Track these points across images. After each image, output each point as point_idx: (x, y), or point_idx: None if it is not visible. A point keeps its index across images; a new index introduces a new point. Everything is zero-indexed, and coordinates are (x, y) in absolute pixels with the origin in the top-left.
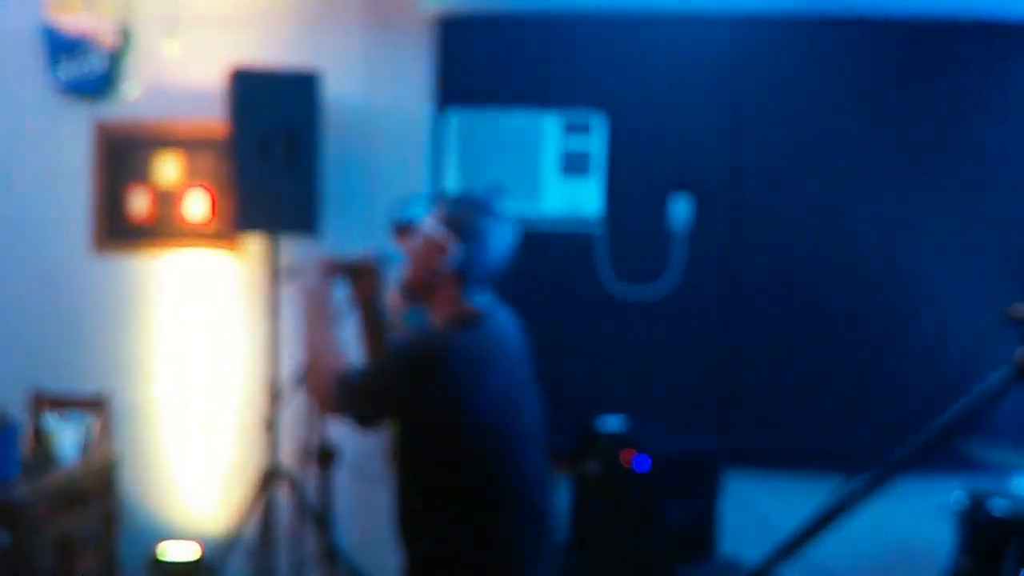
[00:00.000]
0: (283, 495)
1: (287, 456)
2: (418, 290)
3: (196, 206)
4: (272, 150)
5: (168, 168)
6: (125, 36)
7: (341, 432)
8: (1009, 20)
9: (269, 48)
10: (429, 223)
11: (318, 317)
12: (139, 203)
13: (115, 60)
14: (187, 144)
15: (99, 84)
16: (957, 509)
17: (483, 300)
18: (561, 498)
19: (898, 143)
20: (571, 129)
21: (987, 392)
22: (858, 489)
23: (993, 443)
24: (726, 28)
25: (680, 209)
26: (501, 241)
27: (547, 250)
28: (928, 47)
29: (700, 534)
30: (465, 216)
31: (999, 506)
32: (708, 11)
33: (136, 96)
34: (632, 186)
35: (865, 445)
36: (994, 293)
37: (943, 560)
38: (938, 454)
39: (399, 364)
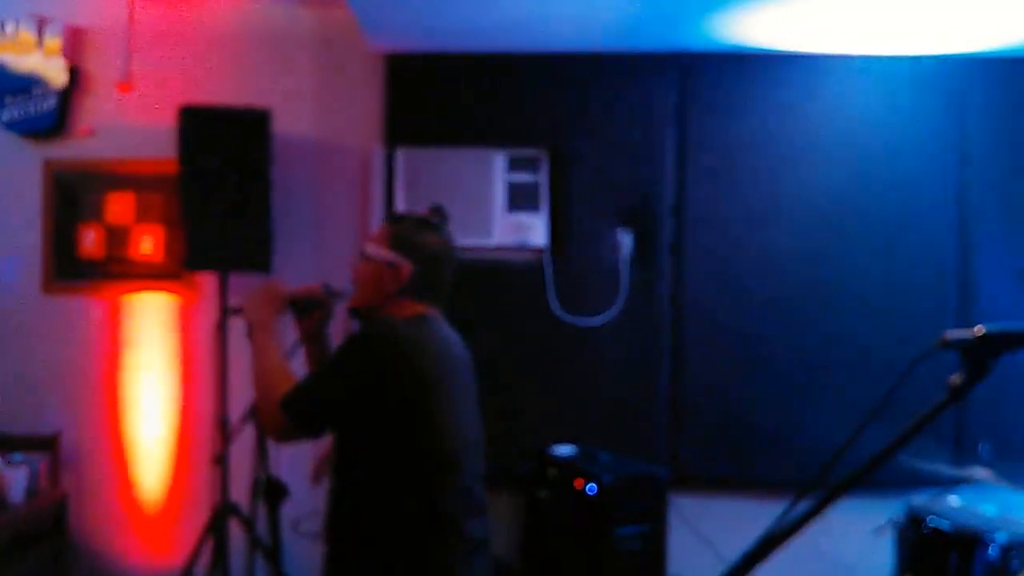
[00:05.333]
0: (235, 531)
1: (238, 492)
2: (369, 311)
3: (147, 244)
4: (222, 188)
5: (118, 207)
6: (75, 75)
7: (289, 469)
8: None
9: (220, 86)
10: (375, 245)
11: (267, 348)
12: (89, 242)
13: (65, 99)
14: (137, 182)
15: (48, 123)
16: (897, 525)
17: (431, 312)
18: (513, 523)
19: (829, 174)
20: (517, 165)
21: (927, 415)
22: (803, 513)
23: (930, 458)
24: (666, 64)
25: (624, 240)
26: (444, 255)
27: (497, 280)
28: (857, 84)
29: (650, 557)
30: (411, 235)
31: (939, 521)
32: (649, 49)
33: (89, 136)
34: (577, 219)
35: (808, 470)
36: (929, 319)
37: (884, 574)
38: (877, 471)
39: (345, 354)
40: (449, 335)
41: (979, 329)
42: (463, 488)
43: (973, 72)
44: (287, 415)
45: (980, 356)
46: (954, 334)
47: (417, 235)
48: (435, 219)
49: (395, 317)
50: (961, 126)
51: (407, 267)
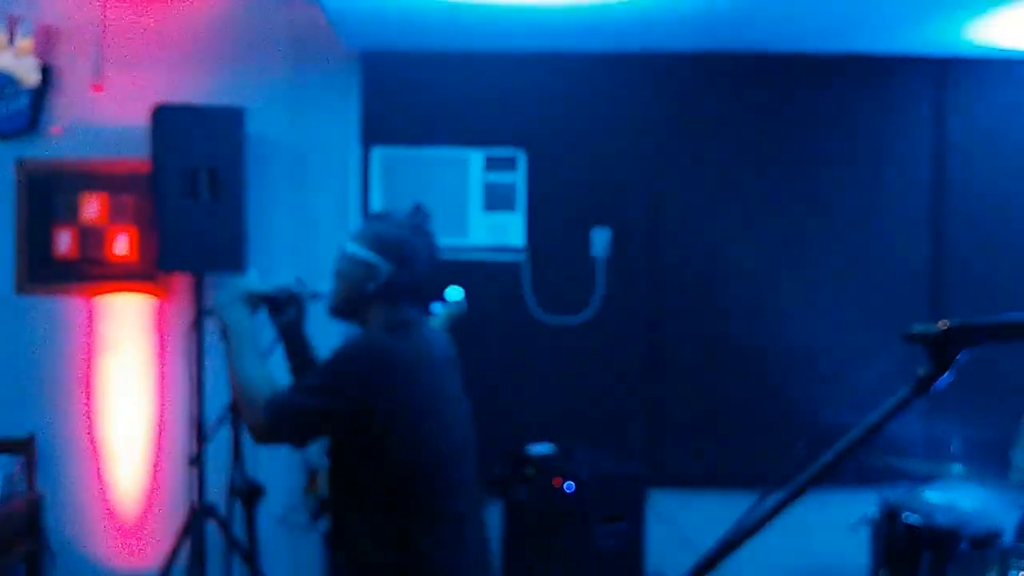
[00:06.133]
0: (212, 532)
1: (215, 493)
2: (347, 311)
3: (120, 245)
4: (196, 187)
5: (92, 207)
6: (47, 74)
7: (267, 470)
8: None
9: (194, 85)
10: (355, 244)
11: (243, 347)
12: (63, 242)
13: (37, 99)
14: (111, 182)
15: (21, 123)
16: (872, 521)
17: (413, 314)
18: (492, 523)
19: (803, 173)
20: (494, 164)
21: (891, 410)
22: (771, 506)
23: (906, 455)
24: (642, 65)
25: (600, 239)
26: (425, 256)
27: (474, 280)
28: (832, 83)
29: (628, 554)
30: (389, 235)
31: (913, 517)
32: (626, 50)
33: (59, 135)
34: (554, 218)
35: (784, 463)
36: (900, 316)
37: (860, 572)
38: (853, 468)
39: (334, 370)
40: (433, 338)
41: (943, 323)
42: (454, 489)
43: (950, 71)
44: (271, 423)
45: (945, 350)
46: (919, 328)
47: (396, 235)
48: (416, 219)
49: (379, 329)
50: (937, 126)
51: (384, 268)
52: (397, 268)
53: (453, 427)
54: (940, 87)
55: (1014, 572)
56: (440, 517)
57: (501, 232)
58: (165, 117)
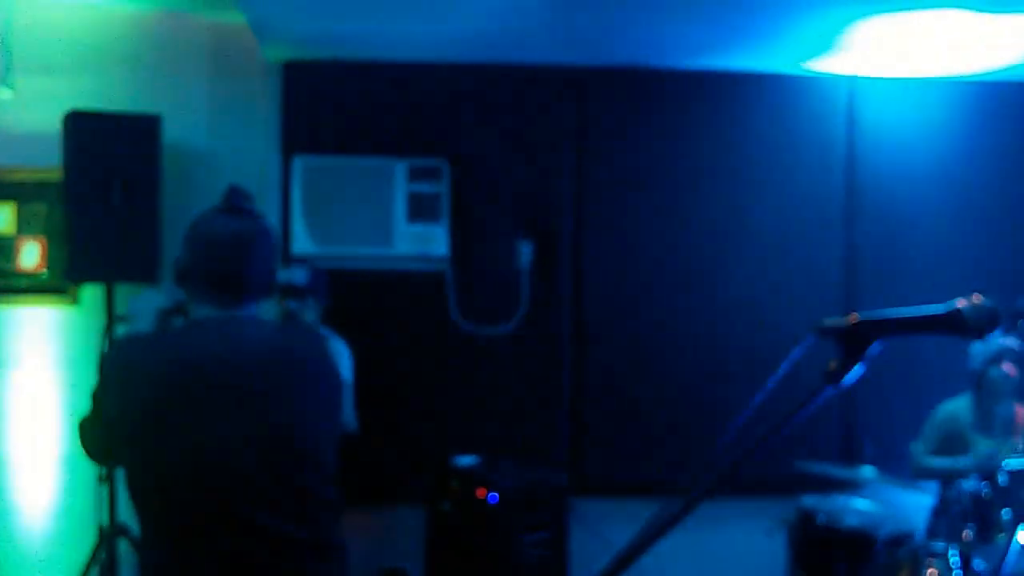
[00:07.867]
0: (125, 552)
1: (127, 512)
2: None
3: (29, 255)
4: (109, 196)
5: (0, 217)
6: None
7: None
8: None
9: (110, 93)
10: None
11: None
12: None
13: None
14: (20, 191)
15: None
16: (788, 524)
17: (209, 313)
18: (417, 534)
19: (726, 188)
20: (418, 175)
21: (803, 401)
22: (679, 508)
23: (821, 461)
24: (571, 80)
25: (525, 251)
26: (211, 240)
27: (398, 291)
28: (739, 99)
29: (552, 564)
30: (192, 225)
31: (827, 520)
32: (552, 63)
33: None
34: (478, 229)
35: (704, 470)
36: (817, 317)
37: (777, 574)
38: (770, 474)
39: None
40: (220, 343)
41: (853, 316)
42: (179, 515)
43: (861, 90)
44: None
45: (855, 343)
46: (830, 322)
47: (196, 224)
48: (226, 201)
49: (152, 332)
50: (849, 140)
51: (180, 254)
52: (186, 250)
53: (205, 448)
54: (852, 103)
55: (924, 571)
56: (154, 541)
57: (425, 242)
58: (77, 124)
